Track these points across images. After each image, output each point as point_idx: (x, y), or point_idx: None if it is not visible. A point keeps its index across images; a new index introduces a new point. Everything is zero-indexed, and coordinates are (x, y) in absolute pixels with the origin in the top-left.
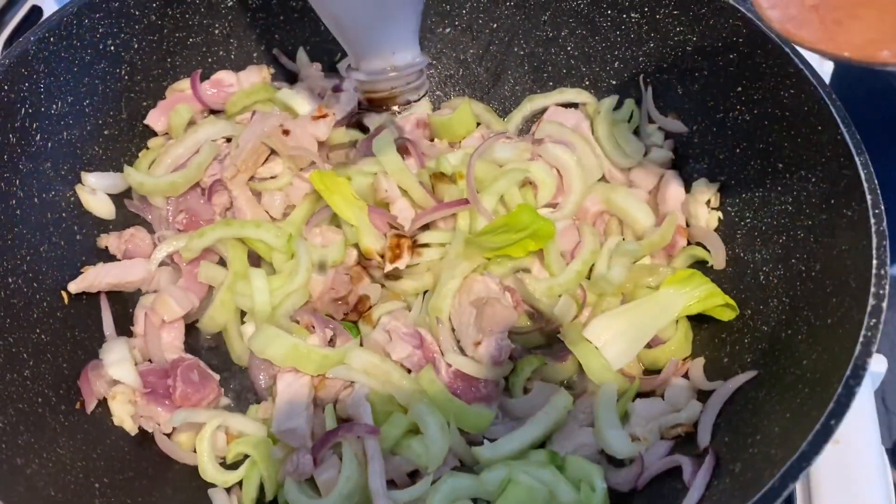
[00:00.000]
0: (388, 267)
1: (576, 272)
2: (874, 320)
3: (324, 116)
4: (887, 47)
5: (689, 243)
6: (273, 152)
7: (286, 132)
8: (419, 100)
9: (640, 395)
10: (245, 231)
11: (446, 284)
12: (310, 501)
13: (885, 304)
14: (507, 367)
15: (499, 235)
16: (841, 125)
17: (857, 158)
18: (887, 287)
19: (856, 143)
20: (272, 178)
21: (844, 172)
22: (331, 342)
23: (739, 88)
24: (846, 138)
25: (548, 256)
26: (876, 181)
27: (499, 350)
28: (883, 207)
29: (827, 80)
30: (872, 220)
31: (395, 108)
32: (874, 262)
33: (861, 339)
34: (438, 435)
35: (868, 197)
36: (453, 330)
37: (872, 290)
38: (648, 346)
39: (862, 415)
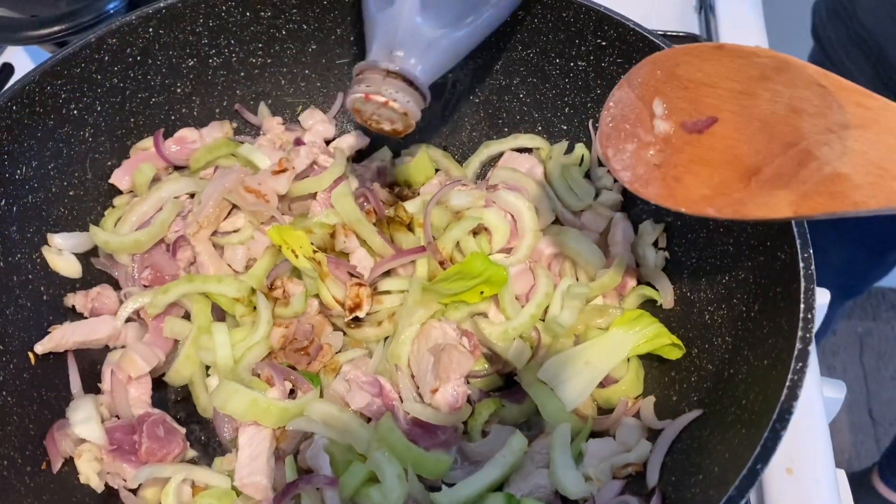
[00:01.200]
0: (349, 316)
1: (530, 315)
2: (800, 364)
3: (284, 170)
4: (713, 204)
5: (638, 283)
6: (235, 207)
7: (252, 191)
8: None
9: (593, 434)
10: (207, 286)
11: (404, 332)
12: None
13: (811, 348)
14: (465, 412)
15: (454, 283)
16: None
17: None
18: (813, 331)
19: None
20: (234, 231)
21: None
22: (291, 393)
23: None
24: None
25: (502, 301)
26: (806, 227)
27: (455, 397)
28: (809, 241)
29: None
30: (801, 265)
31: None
32: (801, 306)
33: (787, 383)
34: (395, 483)
35: (797, 241)
36: (412, 377)
37: (799, 333)
38: (602, 385)
39: (816, 443)
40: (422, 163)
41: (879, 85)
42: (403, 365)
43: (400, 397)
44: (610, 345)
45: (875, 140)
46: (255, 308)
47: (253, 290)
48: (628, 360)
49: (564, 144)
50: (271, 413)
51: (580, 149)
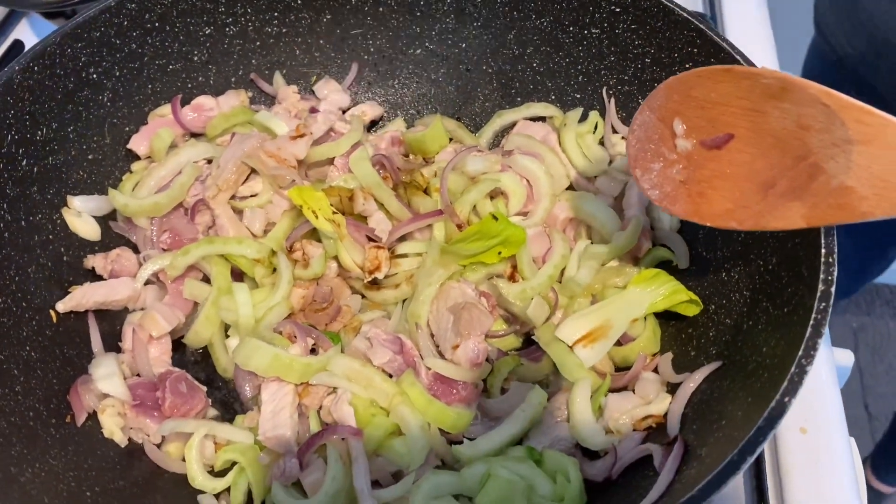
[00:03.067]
0: (368, 278)
1: (547, 276)
2: (823, 304)
3: (302, 136)
4: (735, 217)
5: (653, 245)
6: (253, 171)
7: (272, 155)
8: None
9: (612, 390)
10: (227, 248)
11: (424, 291)
12: (297, 502)
13: (832, 290)
14: (485, 370)
15: (472, 243)
16: None
17: None
18: (835, 273)
19: None
20: (253, 196)
21: None
22: (313, 351)
23: None
24: None
25: (520, 262)
26: None
27: (476, 352)
28: None
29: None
30: None
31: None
32: (822, 250)
33: (812, 321)
34: (419, 434)
35: None
36: (432, 335)
37: (821, 276)
38: (619, 343)
39: (829, 406)
40: (436, 132)
41: (883, 68)
42: (423, 324)
43: (420, 355)
44: (627, 303)
45: (877, 154)
46: (274, 270)
47: (273, 252)
48: (645, 318)
49: (578, 112)
50: (294, 369)
51: (594, 116)
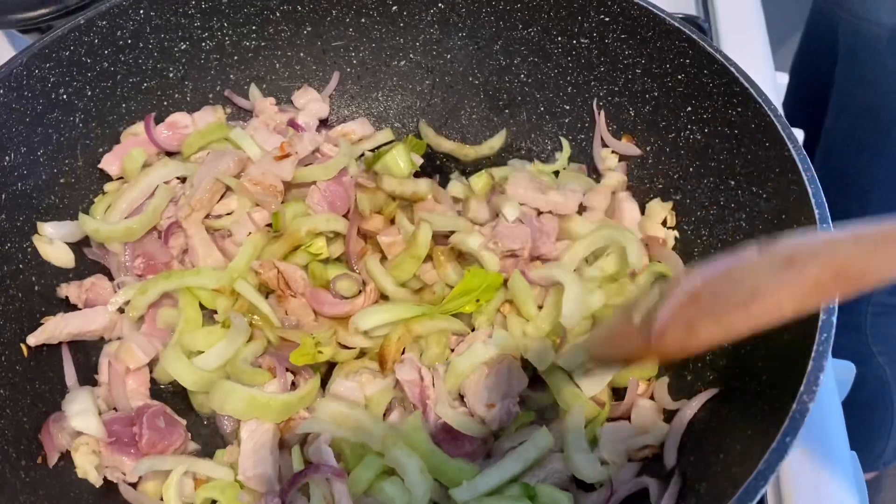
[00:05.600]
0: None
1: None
2: (825, 335)
3: (287, 156)
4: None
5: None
6: (228, 189)
7: (258, 184)
8: None
9: (610, 420)
10: (185, 280)
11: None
12: None
13: (834, 319)
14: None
15: (455, 301)
16: (787, 141)
17: (803, 174)
18: (836, 302)
19: (801, 157)
20: (228, 214)
21: (793, 188)
22: (294, 385)
23: (689, 108)
24: (792, 154)
25: (524, 307)
26: (823, 195)
27: (509, 415)
28: (830, 222)
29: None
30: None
31: None
32: None
33: (813, 354)
34: (419, 478)
35: (816, 211)
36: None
37: (822, 305)
38: None
39: (830, 422)
40: (395, 156)
41: None
42: (441, 368)
43: (432, 398)
44: None
45: None
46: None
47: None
48: None
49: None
50: (272, 408)
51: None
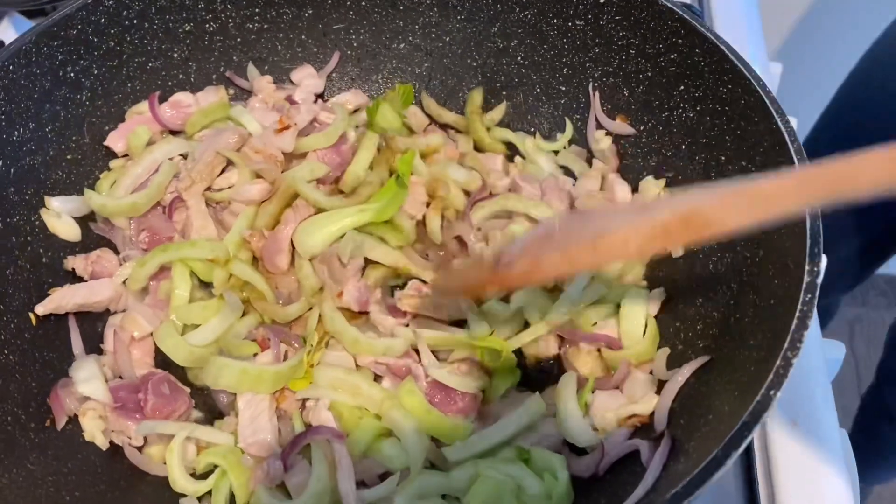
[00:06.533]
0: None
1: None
2: (809, 295)
3: (287, 127)
4: None
5: None
6: (230, 163)
7: (260, 152)
8: None
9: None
10: (181, 252)
11: None
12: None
13: (818, 281)
14: (485, 381)
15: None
16: (775, 115)
17: (790, 146)
18: (822, 264)
19: (789, 130)
20: (229, 187)
21: (780, 160)
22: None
23: (682, 87)
24: (780, 126)
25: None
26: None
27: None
28: None
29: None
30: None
31: None
32: (808, 241)
33: (797, 314)
34: (416, 439)
35: None
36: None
37: (807, 267)
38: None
39: (819, 399)
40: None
41: None
42: None
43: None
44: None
45: None
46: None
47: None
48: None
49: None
50: (265, 380)
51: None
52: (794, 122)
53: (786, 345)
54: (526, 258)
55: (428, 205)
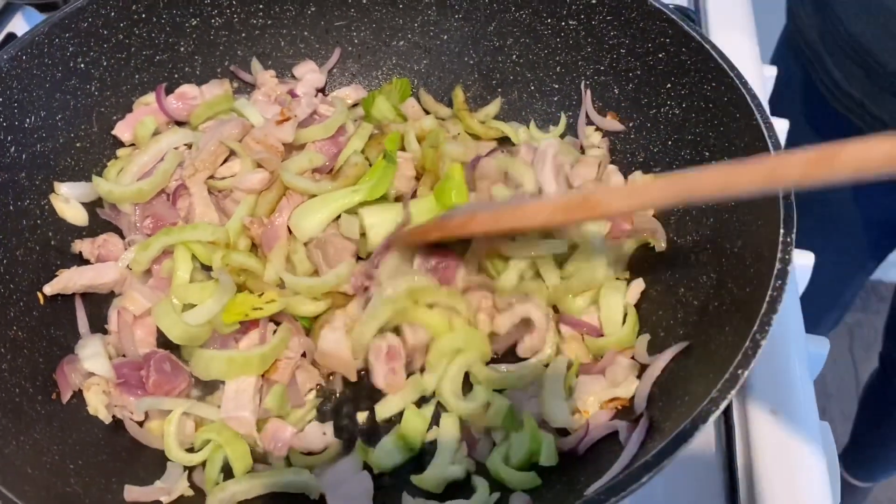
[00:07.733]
0: None
1: None
2: (780, 281)
3: (287, 119)
4: None
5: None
6: (232, 153)
7: (261, 143)
8: None
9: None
10: (183, 235)
11: None
12: None
13: (789, 268)
14: None
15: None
16: (755, 111)
17: (768, 140)
18: (792, 252)
19: (767, 125)
20: (232, 176)
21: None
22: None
23: (669, 85)
24: (759, 122)
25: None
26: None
27: None
28: None
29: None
30: (782, 194)
31: None
32: (781, 230)
33: (767, 298)
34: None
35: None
36: None
37: (779, 255)
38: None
39: (800, 391)
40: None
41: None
42: None
43: None
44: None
45: None
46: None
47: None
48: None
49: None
50: (252, 364)
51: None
52: (785, 124)
53: (755, 327)
54: (465, 214)
55: (418, 180)
